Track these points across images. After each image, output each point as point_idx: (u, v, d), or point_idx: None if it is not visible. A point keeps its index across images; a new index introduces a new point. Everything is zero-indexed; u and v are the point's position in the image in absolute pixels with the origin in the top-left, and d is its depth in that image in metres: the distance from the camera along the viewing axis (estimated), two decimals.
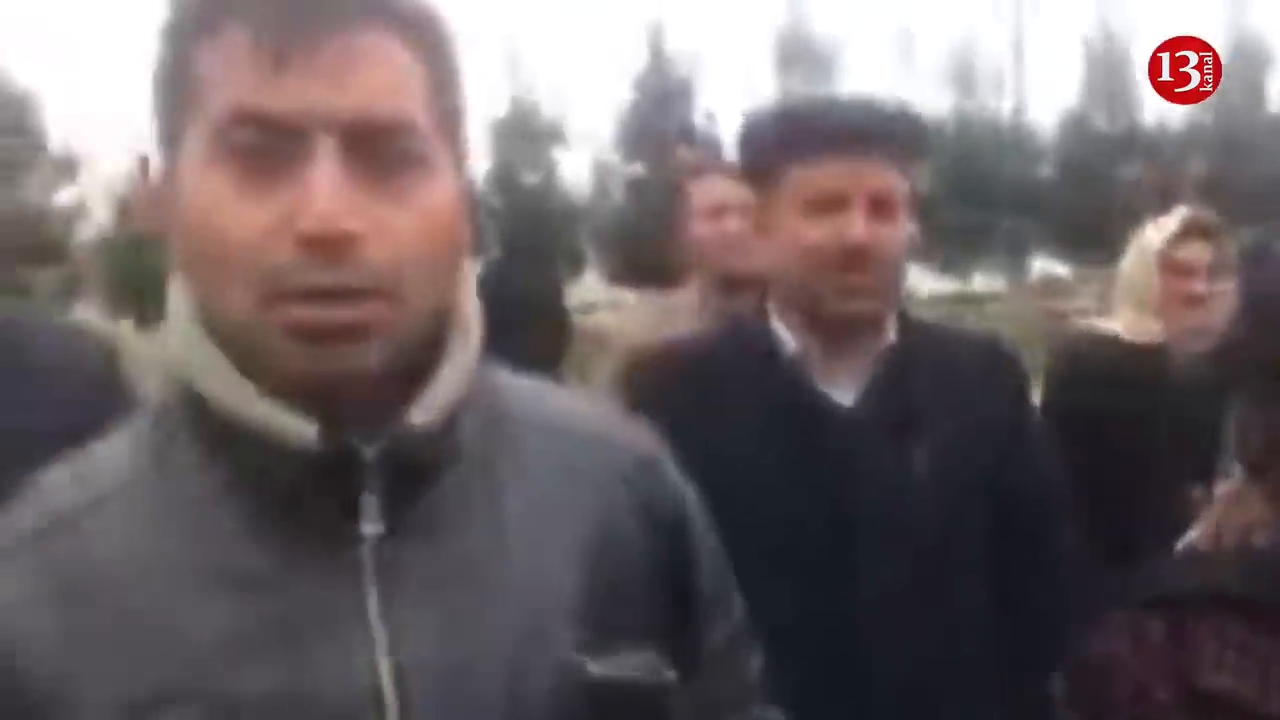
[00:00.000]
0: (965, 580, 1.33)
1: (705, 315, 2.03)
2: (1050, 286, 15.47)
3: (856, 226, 1.26)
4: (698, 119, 17.75)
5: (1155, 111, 17.24)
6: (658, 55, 17.85)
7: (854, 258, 1.27)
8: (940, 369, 1.36)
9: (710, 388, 1.34)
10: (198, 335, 0.67)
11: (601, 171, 17.74)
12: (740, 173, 1.51)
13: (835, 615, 1.27)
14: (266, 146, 0.63)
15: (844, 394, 1.33)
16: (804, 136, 1.30)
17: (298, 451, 0.64)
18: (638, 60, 17.88)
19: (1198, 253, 2.19)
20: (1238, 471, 0.99)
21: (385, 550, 0.67)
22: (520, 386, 0.79)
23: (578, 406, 0.83)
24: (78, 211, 18.77)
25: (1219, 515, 0.99)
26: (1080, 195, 15.87)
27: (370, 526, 0.66)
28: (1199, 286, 2.18)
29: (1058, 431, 1.93)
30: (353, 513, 0.66)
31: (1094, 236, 15.18)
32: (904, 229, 1.33)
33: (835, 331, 1.33)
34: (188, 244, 0.66)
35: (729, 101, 18.29)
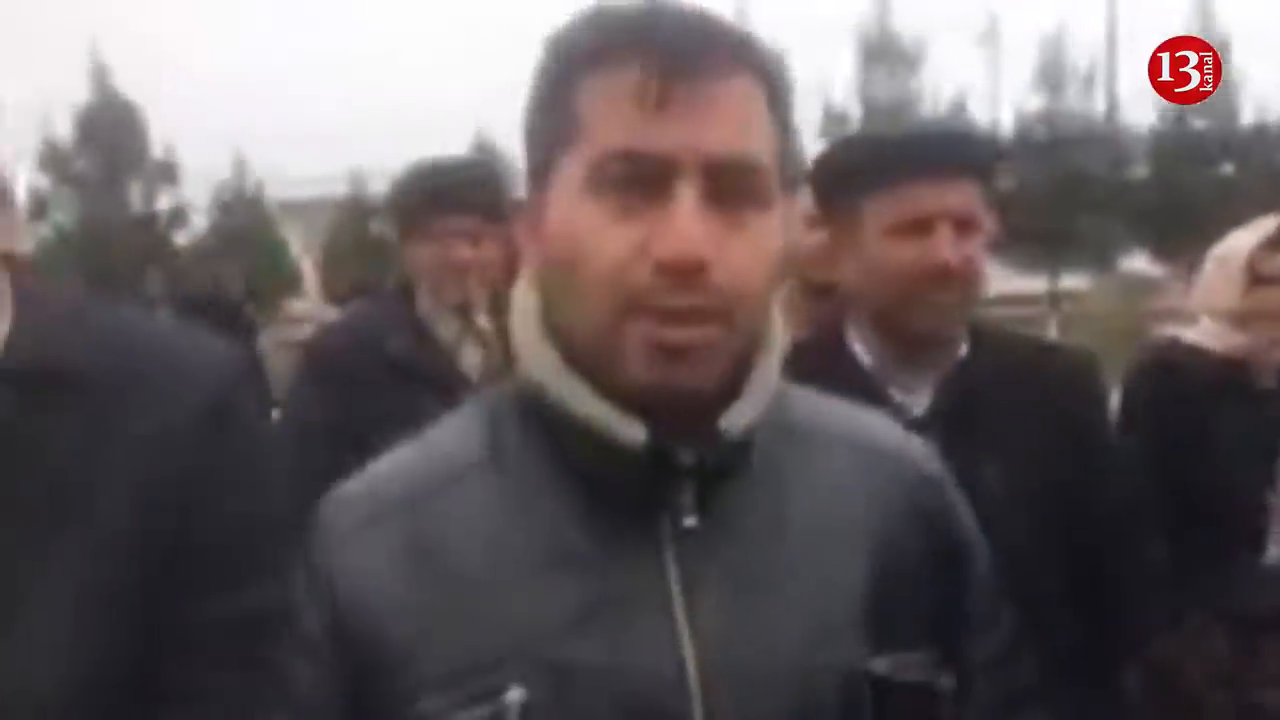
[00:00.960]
0: (1041, 596, 1.33)
1: (793, 321, 2.07)
2: (1137, 285, 15.01)
3: (944, 249, 1.32)
4: None
5: (1255, 110, 16.64)
6: None
7: (942, 279, 1.33)
8: (1014, 380, 1.39)
9: None
10: (543, 341, 0.76)
11: None
12: (814, 196, 1.56)
13: None
14: (636, 178, 0.70)
15: (917, 405, 1.38)
16: (887, 165, 1.36)
17: (625, 450, 0.72)
18: None
19: None
20: None
21: (688, 543, 0.74)
22: (804, 397, 0.86)
23: (862, 418, 0.89)
24: (178, 215, 19.43)
25: None
26: (1173, 195, 15.38)
27: (686, 521, 0.73)
28: None
29: (1137, 444, 1.93)
30: (665, 509, 0.74)
31: (1186, 237, 14.71)
32: (984, 245, 1.38)
33: (911, 346, 1.39)
34: (555, 263, 0.74)
35: (809, 101, 18.09)
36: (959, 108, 17.21)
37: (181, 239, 19.48)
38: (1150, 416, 2.14)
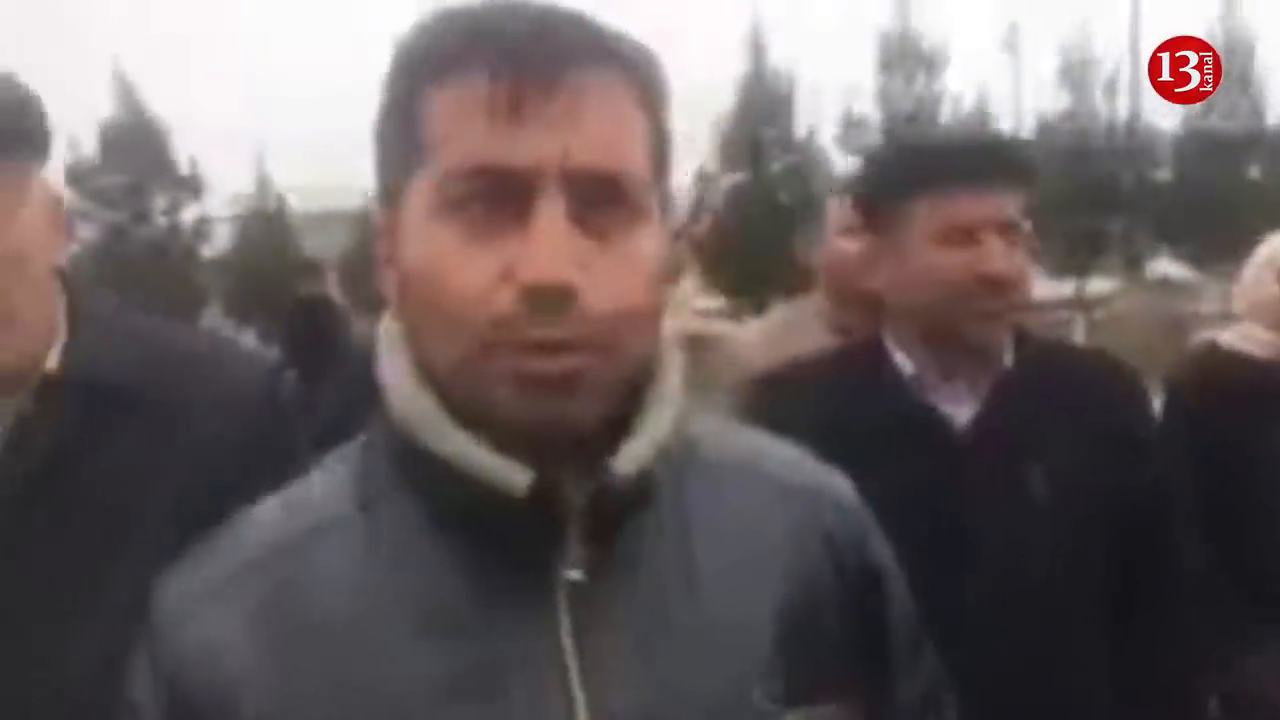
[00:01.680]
0: (1084, 604, 1.32)
1: (828, 330, 2.05)
2: (1168, 289, 14.84)
3: (993, 258, 1.31)
4: (798, 132, 17.63)
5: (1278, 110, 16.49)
6: (759, 62, 17.77)
7: (990, 287, 1.31)
8: (1058, 389, 1.37)
9: (829, 408, 1.37)
10: (412, 378, 0.68)
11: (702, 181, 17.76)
12: (856, 203, 1.54)
13: (951, 636, 1.28)
14: (493, 195, 0.63)
15: (961, 414, 1.36)
16: (934, 171, 1.35)
17: (507, 495, 0.64)
18: (738, 67, 17.83)
19: None
20: None
21: (582, 594, 0.66)
22: (712, 430, 0.78)
23: (771, 450, 0.81)
24: (201, 229, 19.60)
25: None
26: (1200, 198, 15.25)
27: (573, 571, 0.66)
28: None
29: (1180, 449, 1.89)
30: (554, 556, 0.66)
31: (1215, 240, 14.58)
32: (1027, 253, 1.36)
33: (956, 355, 1.36)
34: (411, 292, 0.67)
35: (830, 104, 18.07)
36: (980, 112, 17.15)
37: (206, 252, 19.65)
38: (1193, 423, 2.10)
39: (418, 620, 0.66)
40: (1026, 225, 1.36)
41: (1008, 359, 1.38)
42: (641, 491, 0.68)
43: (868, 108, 17.12)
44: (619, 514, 0.68)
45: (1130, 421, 1.42)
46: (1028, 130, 16.32)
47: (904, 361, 1.39)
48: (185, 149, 19.07)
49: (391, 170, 0.69)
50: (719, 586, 0.70)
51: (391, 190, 0.69)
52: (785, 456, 0.81)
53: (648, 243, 0.67)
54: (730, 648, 0.69)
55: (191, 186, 19.12)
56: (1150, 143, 16.60)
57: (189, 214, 19.28)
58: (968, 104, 17.31)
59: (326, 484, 0.73)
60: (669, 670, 0.67)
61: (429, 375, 0.68)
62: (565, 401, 0.64)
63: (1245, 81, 16.34)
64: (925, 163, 1.38)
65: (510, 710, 0.64)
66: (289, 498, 0.73)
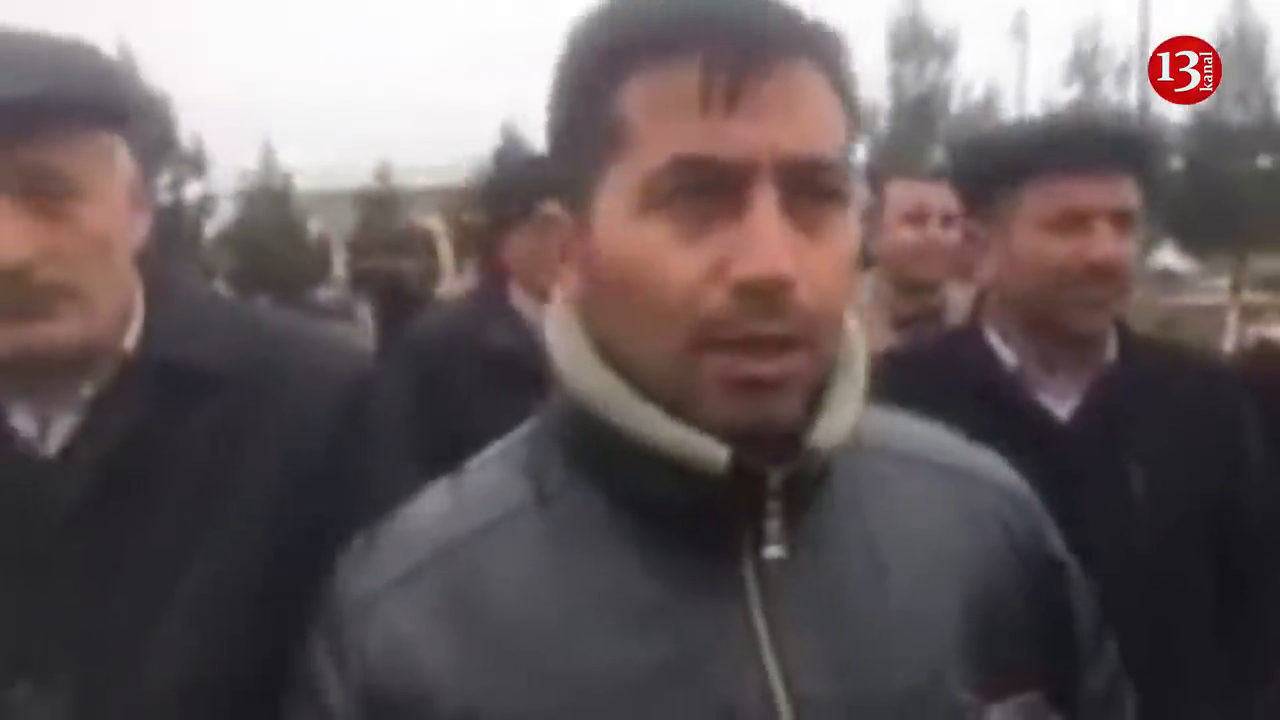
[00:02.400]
0: (1185, 603, 1.31)
1: (885, 318, 2.05)
2: (1167, 281, 14.91)
3: (1104, 245, 1.28)
4: None
5: None
6: None
7: (1101, 275, 1.29)
8: (1160, 387, 1.35)
9: (931, 401, 1.37)
10: (596, 364, 0.67)
11: None
12: (959, 189, 1.52)
13: None
14: (705, 189, 0.61)
15: (1061, 407, 1.34)
16: (1046, 157, 1.32)
17: (705, 475, 0.63)
18: None
19: None
20: None
21: (774, 582, 0.65)
22: (881, 417, 0.75)
23: (938, 437, 0.80)
24: (206, 206, 19.57)
25: None
26: (1207, 190, 15.24)
27: (774, 550, 0.65)
28: None
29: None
30: (743, 535, 0.65)
31: (1223, 229, 14.57)
32: (1135, 243, 1.34)
33: (1059, 346, 1.34)
34: (611, 291, 0.65)
35: None
36: (990, 101, 17.12)
37: (210, 229, 19.62)
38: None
39: (608, 611, 0.65)
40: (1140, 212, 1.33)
41: (1110, 352, 1.36)
42: (827, 475, 0.68)
43: (880, 94, 17.07)
44: (811, 492, 0.67)
45: (1231, 423, 1.39)
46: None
47: (1005, 352, 1.37)
48: (189, 125, 19.03)
49: (578, 162, 0.66)
50: (904, 573, 0.69)
51: (578, 182, 0.66)
52: (942, 440, 0.80)
53: (849, 230, 0.66)
54: (921, 634, 0.68)
55: (195, 163, 19.06)
56: (1160, 132, 16.58)
57: (192, 191, 19.25)
58: (977, 92, 17.29)
59: (495, 477, 0.71)
60: (862, 655, 0.66)
61: (620, 370, 0.66)
62: (775, 403, 0.63)
63: (1256, 72, 16.30)
64: (1037, 148, 1.34)
65: (709, 695, 0.63)
66: (457, 492, 0.72)
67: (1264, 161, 16.02)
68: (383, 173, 20.70)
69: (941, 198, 2.00)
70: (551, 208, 0.71)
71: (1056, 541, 0.79)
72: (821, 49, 0.64)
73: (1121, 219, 1.30)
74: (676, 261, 0.61)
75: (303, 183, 21.00)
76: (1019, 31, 21.82)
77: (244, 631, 0.86)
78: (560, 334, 0.70)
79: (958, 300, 2.11)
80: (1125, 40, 17.96)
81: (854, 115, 0.67)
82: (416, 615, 0.66)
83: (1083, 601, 0.79)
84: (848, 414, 0.67)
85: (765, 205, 0.61)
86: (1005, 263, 1.36)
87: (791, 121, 0.62)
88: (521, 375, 1.97)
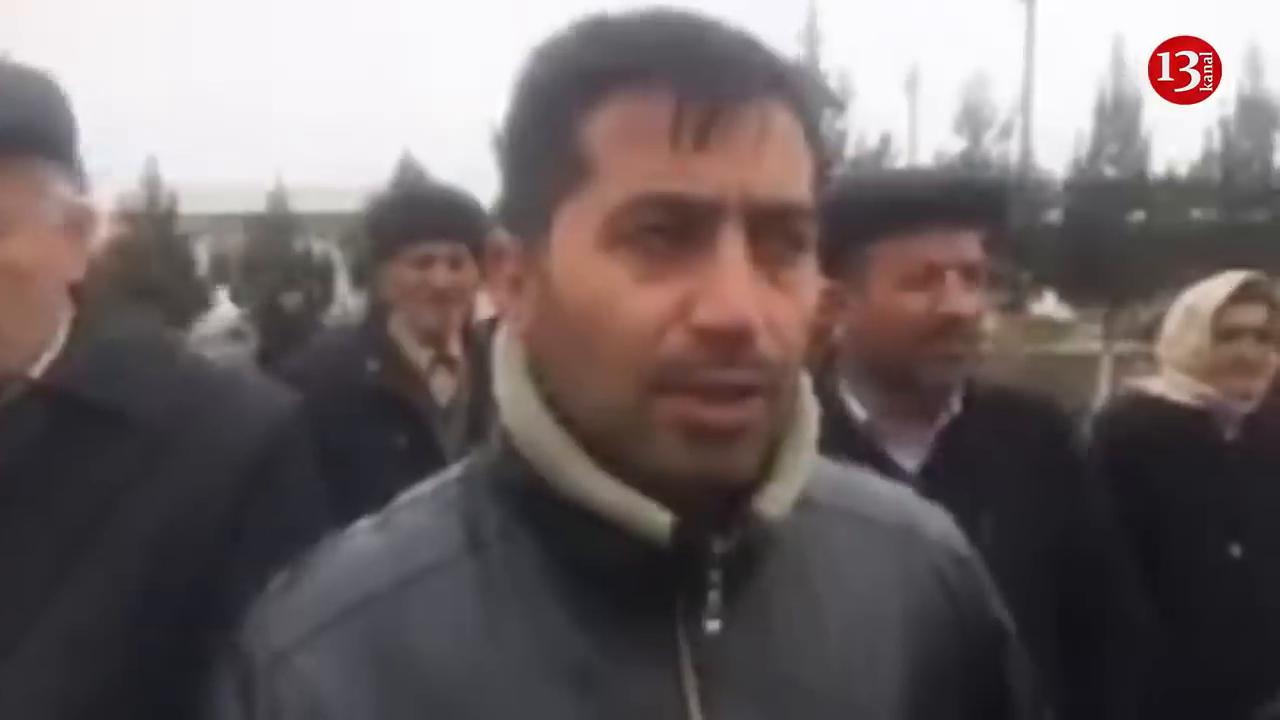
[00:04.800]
0: (1035, 647, 1.34)
1: None
2: (1047, 330, 15.52)
3: (957, 298, 1.32)
4: None
5: (1162, 161, 17.40)
6: None
7: (954, 328, 1.32)
8: (1004, 434, 1.39)
9: None
10: (543, 414, 0.64)
11: None
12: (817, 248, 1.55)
13: None
14: (670, 229, 0.59)
15: (909, 459, 1.37)
16: (902, 212, 1.34)
17: (645, 541, 0.61)
18: None
19: (1250, 316, 2.20)
20: None
21: (708, 650, 0.63)
22: (823, 470, 0.73)
23: (881, 491, 0.78)
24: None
25: None
26: (1083, 242, 15.96)
27: (713, 624, 0.63)
28: (1251, 350, 2.19)
29: (1108, 494, 1.95)
30: (681, 604, 0.63)
31: (1095, 282, 15.26)
32: (985, 294, 1.38)
33: (910, 399, 1.37)
34: (563, 328, 0.62)
35: None
36: (884, 150, 17.64)
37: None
38: (1114, 469, 2.16)
39: (537, 669, 0.62)
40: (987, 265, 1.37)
41: (956, 404, 1.39)
42: (771, 538, 0.65)
43: None
44: (755, 561, 0.64)
45: (1070, 467, 1.45)
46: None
47: (856, 407, 1.39)
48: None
49: (532, 191, 0.63)
50: (843, 640, 0.67)
51: (533, 214, 0.63)
52: (893, 495, 0.78)
53: (810, 279, 0.64)
54: (859, 705, 0.66)
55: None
56: (1041, 186, 17.29)
57: None
58: (871, 141, 17.79)
59: (427, 519, 0.68)
60: None
61: (561, 412, 0.63)
62: (729, 454, 0.61)
63: (1131, 133, 17.18)
64: (893, 202, 1.36)
65: None
66: (385, 533, 0.68)
67: (1136, 216, 16.84)
68: (276, 196, 20.24)
69: None
70: (498, 236, 0.67)
71: (999, 607, 0.77)
72: (795, 90, 0.62)
73: (971, 272, 1.34)
74: (637, 300, 0.59)
75: (190, 204, 20.38)
76: (911, 83, 22.65)
77: (114, 669, 0.83)
78: (503, 371, 0.66)
79: None
80: (1010, 96, 18.76)
81: (819, 161, 0.65)
82: (336, 669, 0.62)
83: (1022, 671, 0.77)
84: (796, 480, 0.65)
85: (732, 248, 0.59)
86: (862, 319, 1.38)
87: (762, 163, 0.60)
88: (394, 410, 1.95)
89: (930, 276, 1.32)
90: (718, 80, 0.58)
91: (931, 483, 1.31)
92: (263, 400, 0.99)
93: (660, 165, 0.59)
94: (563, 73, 0.62)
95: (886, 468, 1.33)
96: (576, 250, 0.61)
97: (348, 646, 0.62)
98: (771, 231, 0.61)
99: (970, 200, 1.37)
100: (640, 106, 0.59)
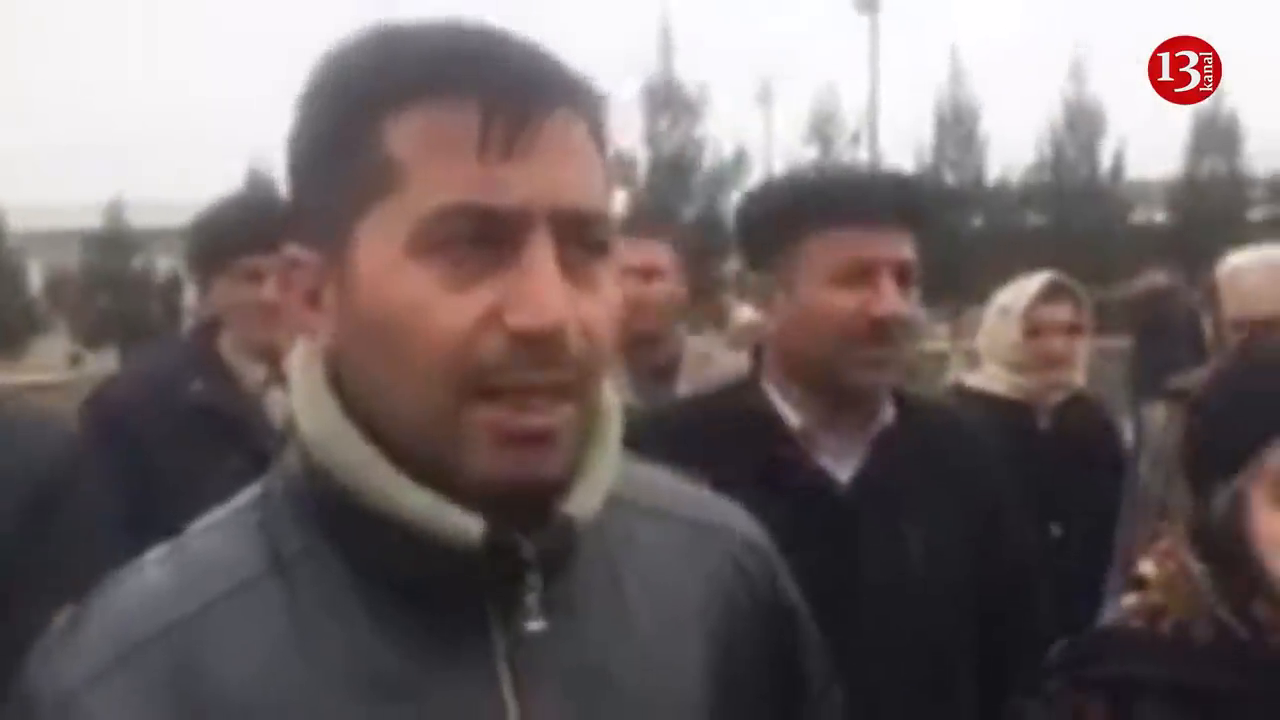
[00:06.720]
0: (960, 659, 1.32)
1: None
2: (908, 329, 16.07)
3: (888, 298, 1.25)
4: None
5: (998, 167, 18.36)
6: None
7: (884, 329, 1.26)
8: (932, 448, 1.35)
9: (709, 457, 1.23)
10: (340, 421, 0.63)
11: None
12: (740, 244, 1.46)
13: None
14: (478, 236, 0.59)
15: (841, 469, 1.32)
16: (831, 207, 1.29)
17: (454, 548, 0.60)
18: None
19: (1059, 313, 2.34)
20: (1169, 544, 1.04)
21: (523, 653, 0.63)
22: (621, 467, 0.72)
23: (679, 489, 0.79)
24: None
25: (1157, 594, 0.99)
26: (930, 245, 16.66)
27: (531, 625, 0.62)
28: (1060, 345, 2.34)
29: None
30: (494, 609, 0.63)
31: (940, 283, 15.98)
32: (915, 298, 1.32)
33: (839, 404, 1.31)
34: (371, 338, 0.61)
35: None
36: (739, 157, 18.07)
37: None
38: None
39: (351, 686, 0.60)
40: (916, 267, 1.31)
41: (887, 414, 1.33)
42: (578, 538, 0.65)
43: (638, 148, 17.63)
44: (563, 561, 0.64)
45: (991, 480, 1.41)
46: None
47: (789, 412, 1.33)
48: None
49: (330, 201, 0.62)
50: (649, 633, 0.69)
51: (327, 223, 0.62)
52: (690, 492, 0.79)
53: (612, 284, 0.65)
54: (669, 697, 0.68)
55: None
56: (938, 190, 17.90)
57: None
58: (727, 149, 18.20)
59: (223, 543, 0.65)
60: None
61: (365, 425, 0.62)
62: (543, 458, 0.61)
63: (969, 141, 18.06)
64: (824, 199, 1.30)
65: None
66: (177, 562, 0.65)
67: (977, 220, 17.69)
68: (113, 211, 19.32)
69: (673, 258, 2.08)
70: (291, 250, 0.65)
71: (791, 588, 0.80)
72: (588, 102, 0.64)
73: (904, 273, 1.28)
74: (447, 308, 0.59)
75: (20, 221, 19.26)
76: (763, 95, 23.24)
77: None
78: (301, 386, 0.64)
79: (727, 361, 2.16)
80: (858, 105, 19.46)
81: (610, 172, 0.66)
82: (130, 707, 0.59)
83: (812, 647, 0.81)
84: (603, 479, 0.66)
85: (542, 254, 0.59)
86: (789, 317, 1.32)
87: (565, 172, 0.61)
88: (224, 429, 1.88)
89: (862, 274, 1.26)
90: (520, 91, 0.59)
91: (863, 496, 1.29)
92: (37, 432, 0.97)
93: (468, 175, 0.59)
94: (362, 81, 0.61)
95: (818, 478, 1.29)
96: (383, 259, 0.60)
97: (142, 682, 0.59)
98: (576, 238, 0.61)
99: (907, 199, 1.31)
100: (446, 116, 0.59)
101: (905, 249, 1.29)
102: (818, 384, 1.31)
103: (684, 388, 2.15)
